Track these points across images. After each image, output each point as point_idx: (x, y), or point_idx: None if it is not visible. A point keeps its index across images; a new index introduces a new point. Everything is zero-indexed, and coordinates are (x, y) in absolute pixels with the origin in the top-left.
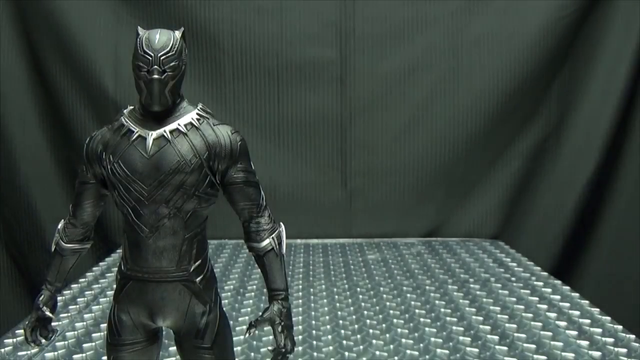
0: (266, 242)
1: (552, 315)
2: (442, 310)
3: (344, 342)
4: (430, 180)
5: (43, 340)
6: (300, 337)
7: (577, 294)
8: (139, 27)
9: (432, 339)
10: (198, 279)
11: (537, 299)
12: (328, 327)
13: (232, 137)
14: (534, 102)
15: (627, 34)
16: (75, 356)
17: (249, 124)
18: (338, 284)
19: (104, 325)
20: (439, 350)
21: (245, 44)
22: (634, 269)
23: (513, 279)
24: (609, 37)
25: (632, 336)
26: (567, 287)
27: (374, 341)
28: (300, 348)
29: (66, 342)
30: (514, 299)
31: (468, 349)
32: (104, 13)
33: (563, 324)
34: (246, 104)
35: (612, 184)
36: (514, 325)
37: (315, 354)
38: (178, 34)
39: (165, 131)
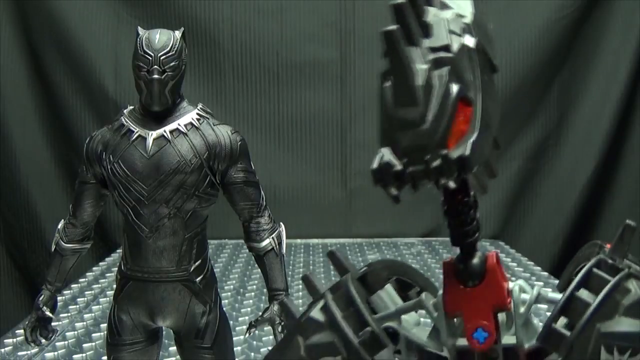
0: (266, 242)
1: None
2: None
3: None
4: None
5: (43, 340)
6: None
7: None
8: (139, 27)
9: None
10: (198, 279)
11: None
12: None
13: (232, 137)
14: (534, 102)
15: (627, 34)
16: (75, 356)
17: (249, 124)
18: None
19: (104, 325)
20: None
21: (245, 44)
22: None
23: (513, 278)
24: (608, 37)
25: None
26: None
27: None
28: None
29: (66, 342)
30: None
31: None
32: (104, 13)
33: None
34: (246, 103)
35: (612, 184)
36: None
37: None
38: (178, 34)
39: (165, 131)
